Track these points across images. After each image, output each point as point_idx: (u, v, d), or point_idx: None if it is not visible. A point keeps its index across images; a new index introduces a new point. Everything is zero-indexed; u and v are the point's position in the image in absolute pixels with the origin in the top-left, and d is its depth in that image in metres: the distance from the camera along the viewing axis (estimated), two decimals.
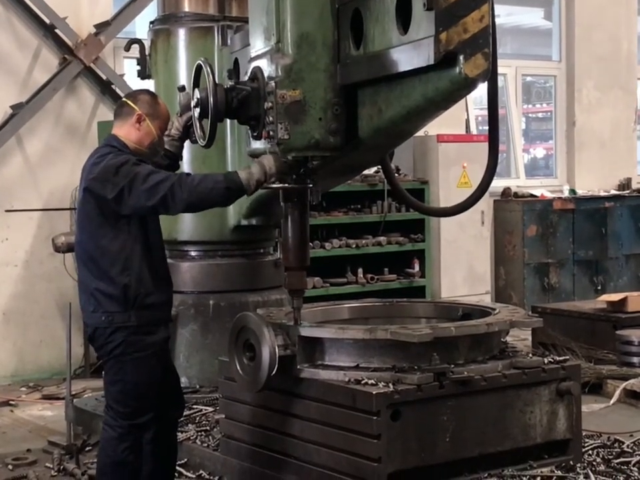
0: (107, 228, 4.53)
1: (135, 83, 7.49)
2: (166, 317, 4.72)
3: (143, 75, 6.95)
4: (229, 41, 6.41)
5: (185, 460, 5.54)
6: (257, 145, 4.85)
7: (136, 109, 4.69)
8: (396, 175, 8.08)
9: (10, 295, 8.60)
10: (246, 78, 4.86)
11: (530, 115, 13.92)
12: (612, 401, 6.95)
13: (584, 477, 4.81)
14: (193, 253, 6.86)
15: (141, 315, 4.54)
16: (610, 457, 5.27)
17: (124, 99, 4.85)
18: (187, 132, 4.99)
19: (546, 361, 4.98)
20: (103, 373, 4.69)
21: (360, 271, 9.57)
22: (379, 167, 7.07)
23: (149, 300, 4.57)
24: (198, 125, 4.97)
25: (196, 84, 5.00)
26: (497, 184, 11.01)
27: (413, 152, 10.35)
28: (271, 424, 5.01)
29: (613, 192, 12.17)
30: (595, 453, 5.32)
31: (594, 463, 5.09)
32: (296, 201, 4.83)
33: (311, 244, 8.12)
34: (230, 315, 5.95)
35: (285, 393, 4.88)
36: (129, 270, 4.53)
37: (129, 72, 8.80)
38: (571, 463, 4.97)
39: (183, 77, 6.65)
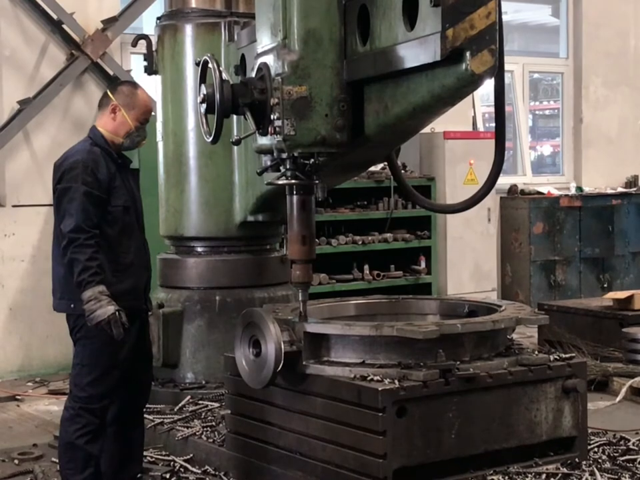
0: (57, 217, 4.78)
1: (142, 78, 7.49)
2: (128, 305, 4.74)
3: (149, 70, 6.95)
4: (235, 37, 6.41)
5: (191, 455, 5.55)
6: (264, 140, 4.86)
7: (112, 99, 4.84)
8: (402, 171, 8.08)
9: (17, 290, 8.62)
10: (253, 74, 4.87)
11: (537, 112, 13.91)
12: (618, 399, 6.94)
13: (589, 475, 4.80)
14: (199, 249, 6.86)
15: None
16: (615, 454, 5.25)
17: (106, 90, 5.02)
18: None
19: (552, 358, 4.97)
20: None
21: (366, 267, 9.57)
22: (386, 163, 7.08)
23: (110, 289, 4.64)
24: (204, 120, 4.98)
25: (202, 80, 5.01)
26: (504, 181, 11.00)
27: (420, 149, 10.35)
28: (277, 420, 5.01)
29: (620, 189, 12.15)
30: (600, 450, 5.31)
31: (599, 461, 5.09)
32: (302, 193, 4.83)
33: (317, 240, 8.13)
34: (236, 311, 5.95)
35: (290, 389, 4.88)
36: None
37: (135, 68, 8.81)
38: (577, 460, 4.96)
39: (190, 72, 6.65)
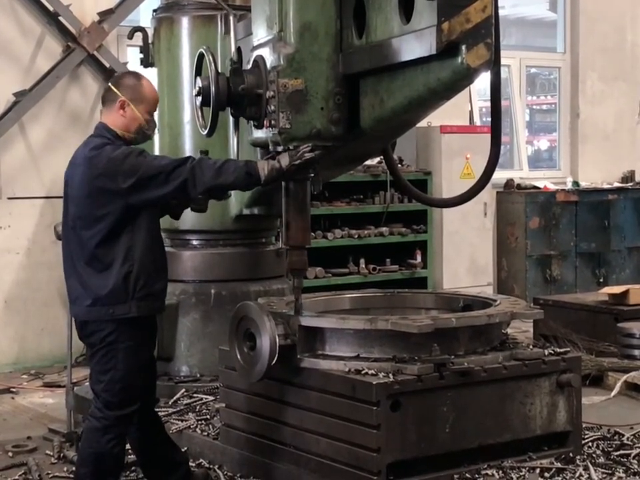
0: (110, 221, 4.49)
1: (138, 71, 7.46)
2: (163, 306, 4.74)
3: (145, 63, 6.94)
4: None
5: (185, 448, 5.54)
6: (259, 134, 4.85)
7: (119, 95, 4.60)
8: (399, 165, 8.07)
9: (12, 283, 8.60)
10: (248, 66, 4.86)
11: (534, 106, 13.89)
12: (613, 394, 6.94)
13: (583, 469, 4.80)
14: (194, 242, 6.86)
15: (141, 305, 4.52)
16: (610, 449, 5.25)
17: (109, 84, 4.74)
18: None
19: (547, 352, 4.97)
20: (92, 362, 4.62)
21: (362, 261, 9.57)
22: (382, 157, 7.08)
23: (150, 289, 4.56)
24: (200, 113, 4.97)
25: (198, 72, 4.99)
26: (500, 175, 11.00)
27: (416, 143, 10.34)
28: (271, 413, 5.01)
29: (616, 184, 12.15)
30: (594, 445, 5.31)
31: (593, 455, 5.09)
32: (297, 181, 4.81)
33: (313, 234, 8.12)
34: (231, 304, 5.95)
35: (285, 382, 4.88)
36: (131, 260, 4.50)
37: (132, 60, 8.78)
38: (571, 454, 4.97)
39: (186, 65, 6.65)
